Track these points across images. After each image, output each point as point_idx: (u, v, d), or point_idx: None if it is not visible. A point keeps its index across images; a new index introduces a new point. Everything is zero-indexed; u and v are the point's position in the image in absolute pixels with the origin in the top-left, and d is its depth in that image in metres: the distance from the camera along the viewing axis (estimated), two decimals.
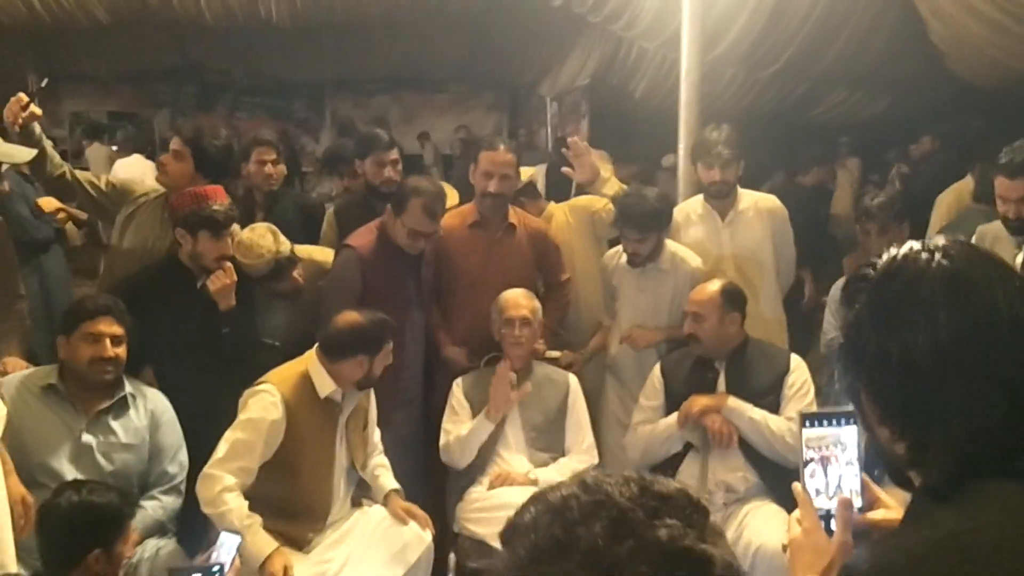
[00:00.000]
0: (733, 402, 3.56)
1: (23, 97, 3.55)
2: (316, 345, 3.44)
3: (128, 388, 3.43)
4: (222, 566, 2.47)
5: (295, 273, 3.95)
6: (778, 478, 3.47)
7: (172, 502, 3.37)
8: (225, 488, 3.13)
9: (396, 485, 3.57)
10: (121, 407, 3.39)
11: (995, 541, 1.06)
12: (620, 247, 4.11)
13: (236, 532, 2.84)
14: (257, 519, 3.14)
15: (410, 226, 3.82)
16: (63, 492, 2.62)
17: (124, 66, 12.79)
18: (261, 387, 3.33)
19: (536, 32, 10.41)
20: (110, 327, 3.37)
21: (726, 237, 4.29)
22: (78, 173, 3.99)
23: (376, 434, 3.67)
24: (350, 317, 3.41)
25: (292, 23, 10.27)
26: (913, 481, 1.25)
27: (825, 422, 1.60)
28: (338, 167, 5.05)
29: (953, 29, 6.90)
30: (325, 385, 3.37)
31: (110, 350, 3.34)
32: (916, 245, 1.24)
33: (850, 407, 1.86)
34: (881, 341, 1.19)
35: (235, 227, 3.77)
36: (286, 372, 3.40)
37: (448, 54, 12.04)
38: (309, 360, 3.42)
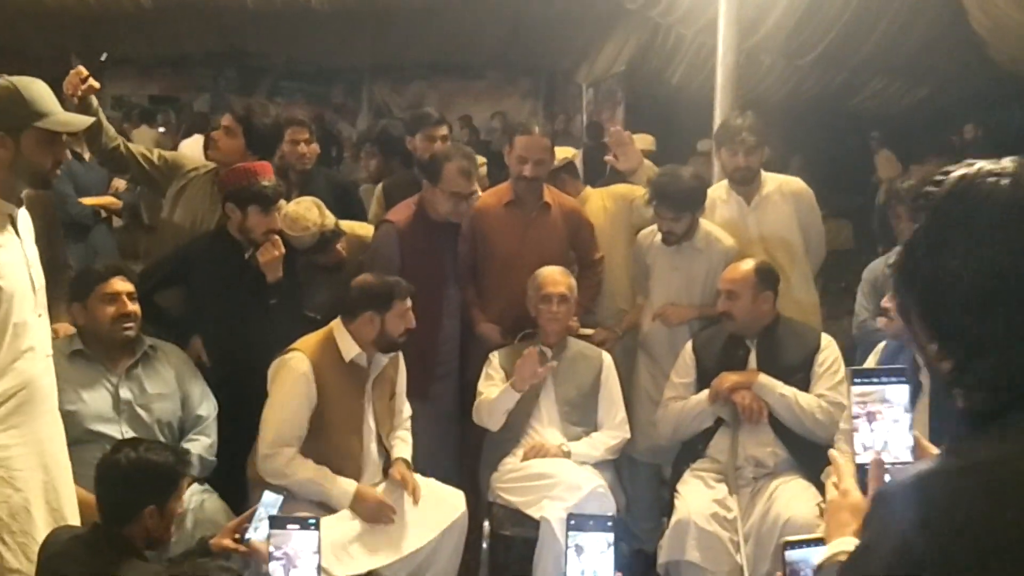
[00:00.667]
0: (763, 378, 3.61)
1: (83, 70, 3.66)
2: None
3: (147, 342, 3.54)
4: (317, 518, 2.59)
5: (338, 246, 4.04)
6: (807, 454, 3.52)
7: (208, 440, 3.50)
8: (288, 459, 3.34)
9: (405, 455, 3.63)
10: (146, 361, 3.50)
11: (1020, 475, 1.07)
12: (655, 226, 4.16)
13: (309, 493, 3.27)
14: (325, 468, 3.38)
15: (449, 190, 3.91)
16: (121, 449, 2.72)
17: (165, 50, 12.97)
18: (289, 355, 3.46)
19: (574, 19, 10.43)
20: (124, 284, 3.47)
21: (752, 221, 4.32)
22: (131, 147, 4.10)
23: (406, 407, 3.75)
24: (361, 278, 3.56)
25: (331, 8, 10.38)
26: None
27: (874, 379, 1.63)
28: (389, 145, 5.16)
29: (995, 17, 6.83)
30: (349, 348, 3.48)
31: (129, 306, 3.45)
32: (986, 166, 1.20)
33: (899, 366, 1.92)
34: (938, 262, 1.18)
35: (281, 201, 3.87)
36: (313, 339, 3.53)
37: (486, 41, 12.09)
38: (334, 326, 3.54)
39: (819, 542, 1.79)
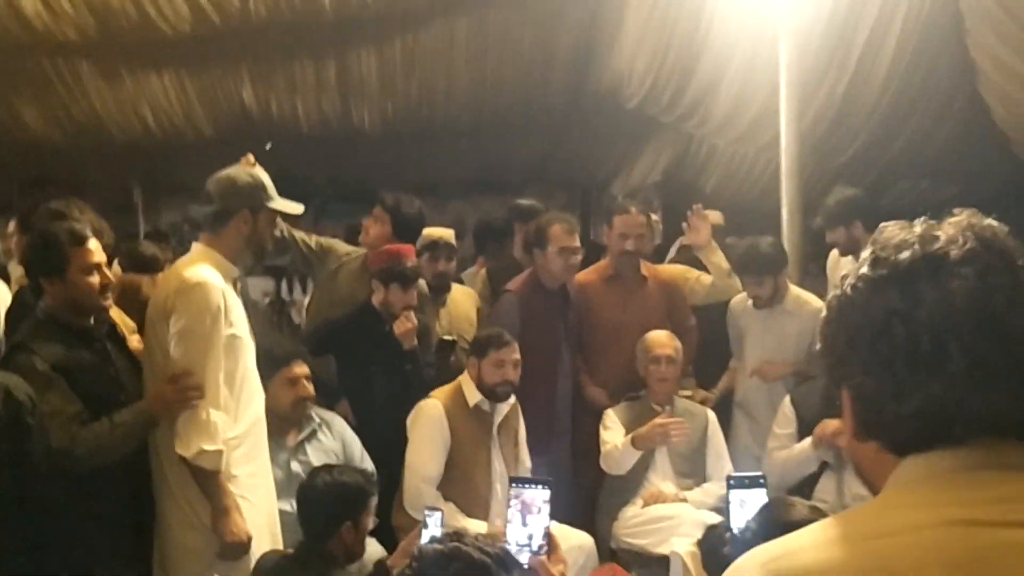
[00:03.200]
0: None
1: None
2: None
3: (316, 419, 3.88)
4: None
5: None
6: None
7: None
8: (430, 496, 3.76)
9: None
10: (312, 435, 3.85)
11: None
12: (746, 293, 4.57)
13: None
14: (452, 506, 3.78)
15: (559, 246, 4.36)
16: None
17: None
18: (424, 402, 3.99)
19: (609, 133, 10.94)
20: (303, 369, 3.84)
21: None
22: (294, 232, 4.53)
23: (527, 457, 4.10)
24: None
25: (383, 130, 10.93)
26: None
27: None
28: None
29: (1016, 113, 7.25)
30: (472, 395, 3.97)
31: (308, 390, 3.81)
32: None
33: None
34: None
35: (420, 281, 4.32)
36: (444, 388, 4.06)
37: (524, 158, 12.60)
38: (462, 378, 4.08)
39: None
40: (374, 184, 13.83)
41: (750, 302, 4.55)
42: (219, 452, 2.97)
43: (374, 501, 3.12)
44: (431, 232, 4.90)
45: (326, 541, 2.93)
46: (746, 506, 2.45)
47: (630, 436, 4.09)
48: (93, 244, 3.06)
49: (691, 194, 11.18)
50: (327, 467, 3.22)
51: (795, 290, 4.55)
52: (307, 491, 3.06)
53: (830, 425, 3.97)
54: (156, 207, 13.86)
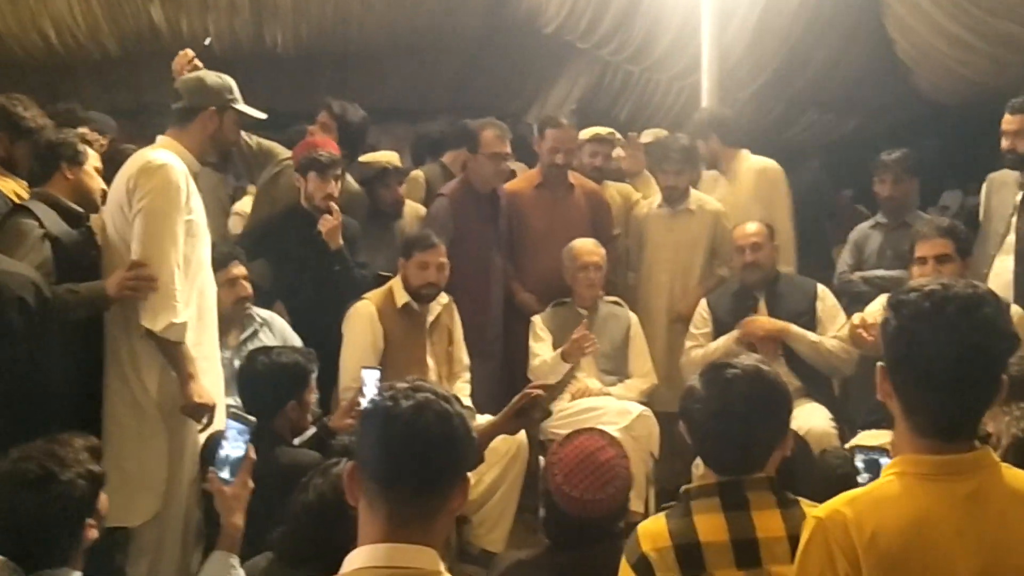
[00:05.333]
0: (795, 329, 4.23)
1: (189, 52, 4.12)
2: None
3: (257, 319, 3.98)
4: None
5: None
6: (814, 383, 4.23)
7: None
8: None
9: (465, 403, 4.11)
10: (253, 334, 3.95)
11: None
12: (649, 200, 4.90)
13: None
14: None
15: (491, 151, 4.49)
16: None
17: (123, 102, 13.14)
18: (357, 303, 4.11)
19: (525, 61, 10.98)
20: (240, 269, 3.93)
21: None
22: None
23: (464, 355, 4.29)
24: None
25: (296, 53, 10.77)
26: None
27: None
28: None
29: (919, 47, 7.53)
30: (401, 295, 4.10)
31: (247, 289, 3.89)
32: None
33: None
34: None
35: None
36: (377, 291, 4.20)
37: (437, 86, 12.57)
38: (393, 280, 4.20)
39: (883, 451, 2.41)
40: (285, 108, 13.71)
41: (656, 204, 4.81)
42: (184, 324, 3.11)
43: (314, 376, 3.23)
44: (378, 157, 4.95)
45: (271, 420, 3.04)
46: (871, 470, 2.74)
47: (559, 351, 4.29)
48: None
49: (605, 122, 11.38)
50: (264, 349, 3.32)
51: (695, 192, 4.86)
52: (247, 373, 3.16)
53: (762, 325, 4.24)
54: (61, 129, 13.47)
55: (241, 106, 3.41)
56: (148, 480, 3.14)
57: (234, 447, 2.53)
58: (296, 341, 4.02)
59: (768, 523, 1.99)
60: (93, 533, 2.29)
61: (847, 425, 3.98)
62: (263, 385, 3.10)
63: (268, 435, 3.00)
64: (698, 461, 2.90)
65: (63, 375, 3.05)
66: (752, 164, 5.07)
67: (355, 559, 1.58)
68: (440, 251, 4.10)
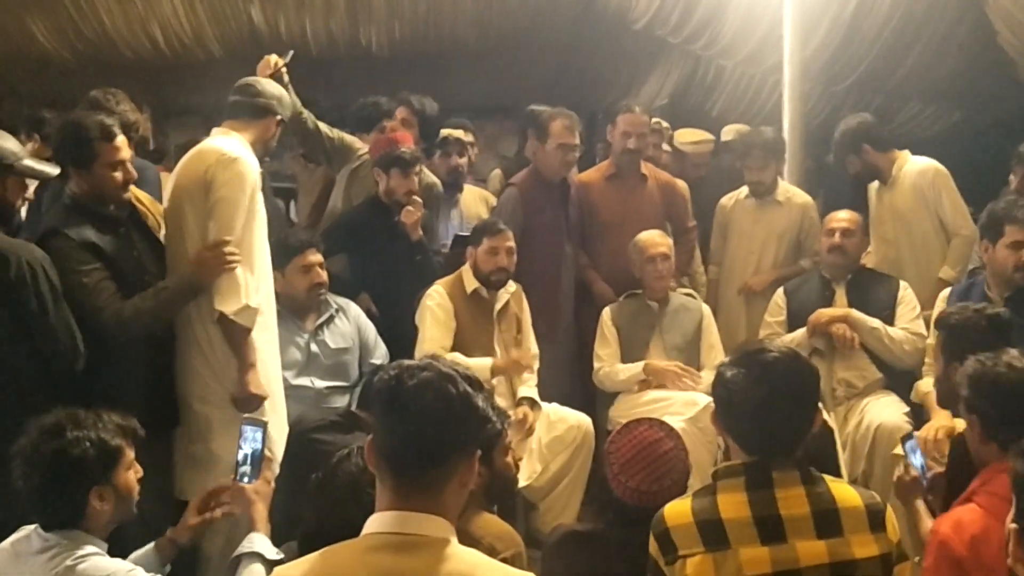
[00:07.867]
0: (857, 314, 4.12)
1: (276, 60, 4.24)
2: None
3: (333, 305, 4.04)
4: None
5: None
6: (892, 375, 4.10)
7: None
8: None
9: (530, 395, 4.15)
10: (329, 320, 4.02)
11: None
12: (735, 192, 4.82)
13: None
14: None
15: (559, 142, 4.48)
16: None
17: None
18: (429, 289, 4.15)
19: (616, 56, 10.94)
20: (317, 256, 3.99)
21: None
22: (319, 123, 4.61)
23: (532, 343, 4.29)
24: None
25: (388, 53, 10.93)
26: None
27: None
28: None
29: (1022, 37, 7.24)
30: (470, 282, 4.13)
31: (322, 276, 3.96)
32: None
33: None
34: None
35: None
36: (448, 277, 4.24)
37: (530, 80, 12.58)
38: (463, 267, 4.23)
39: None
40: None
41: (743, 194, 4.73)
42: (256, 310, 3.20)
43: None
44: (441, 131, 5.03)
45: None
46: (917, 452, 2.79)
47: (643, 364, 4.26)
48: (120, 141, 3.19)
49: (698, 117, 11.23)
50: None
51: (784, 183, 4.75)
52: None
53: (825, 314, 4.13)
54: (164, 129, 13.92)
55: (276, 129, 3.53)
56: (226, 458, 3.21)
57: (252, 446, 2.59)
58: (371, 328, 4.10)
59: (793, 500, 2.02)
60: (102, 506, 2.30)
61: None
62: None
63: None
64: None
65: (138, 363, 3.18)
66: (911, 167, 4.73)
67: (370, 524, 1.67)
68: (508, 236, 4.13)
